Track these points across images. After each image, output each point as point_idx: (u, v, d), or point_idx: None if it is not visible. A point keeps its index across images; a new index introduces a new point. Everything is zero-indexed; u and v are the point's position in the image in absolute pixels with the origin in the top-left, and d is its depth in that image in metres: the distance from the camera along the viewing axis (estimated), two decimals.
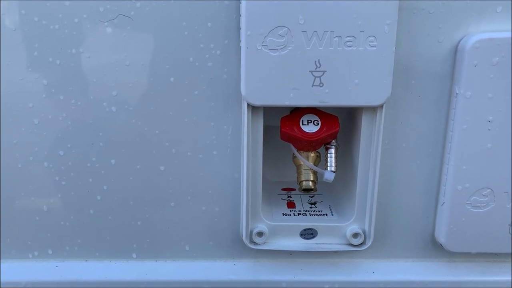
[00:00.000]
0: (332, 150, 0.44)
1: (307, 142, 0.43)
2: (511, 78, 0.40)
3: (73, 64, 0.42)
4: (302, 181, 0.44)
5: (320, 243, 0.46)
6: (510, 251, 0.45)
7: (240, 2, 0.39)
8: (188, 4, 0.40)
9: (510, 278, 0.47)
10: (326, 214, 0.47)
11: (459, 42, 0.41)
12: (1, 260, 0.48)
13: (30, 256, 0.48)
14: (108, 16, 0.40)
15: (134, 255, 0.48)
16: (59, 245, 0.47)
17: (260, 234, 0.45)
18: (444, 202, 0.44)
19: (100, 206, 0.46)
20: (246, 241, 0.45)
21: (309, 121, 0.43)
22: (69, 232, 0.47)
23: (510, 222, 0.44)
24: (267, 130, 0.44)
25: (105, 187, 0.45)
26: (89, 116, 0.43)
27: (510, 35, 0.39)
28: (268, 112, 0.43)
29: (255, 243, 0.45)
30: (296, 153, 0.44)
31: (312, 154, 0.44)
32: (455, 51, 0.41)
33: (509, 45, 0.39)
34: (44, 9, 0.40)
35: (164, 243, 0.48)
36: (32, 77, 0.42)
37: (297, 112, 0.43)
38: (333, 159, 0.44)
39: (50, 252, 0.48)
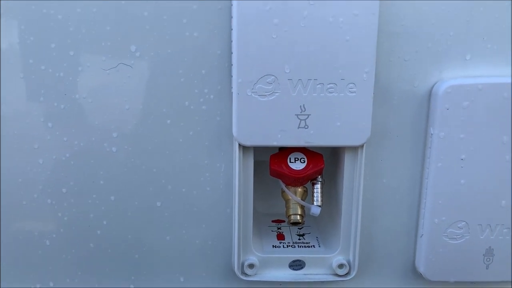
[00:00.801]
0: (318, 186, 0.47)
1: (295, 178, 0.45)
2: (480, 121, 0.43)
3: (76, 108, 0.44)
4: (290, 215, 0.47)
5: (308, 274, 0.48)
6: (484, 280, 0.47)
7: (232, 53, 0.42)
8: (184, 54, 0.43)
9: None
10: (314, 246, 0.49)
11: (432, 87, 0.44)
12: None
13: None
14: (110, 65, 0.43)
15: (132, 286, 0.50)
16: (60, 277, 0.49)
17: (251, 266, 0.47)
18: (422, 234, 0.47)
19: (100, 240, 0.48)
20: (238, 273, 0.47)
21: (296, 159, 0.46)
22: (70, 265, 0.49)
23: (484, 253, 0.47)
24: (258, 165, 0.47)
25: (105, 222, 0.48)
26: (91, 156, 0.46)
27: (478, 82, 0.43)
28: (260, 148, 0.45)
29: (246, 275, 0.47)
30: (285, 189, 0.47)
31: (299, 189, 0.47)
32: (429, 95, 0.44)
33: (478, 91, 0.43)
34: (51, 59, 0.43)
35: (160, 275, 0.49)
36: (38, 120, 0.45)
37: (285, 150, 0.46)
38: (319, 194, 0.46)
39: (51, 284, 0.49)
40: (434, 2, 0.43)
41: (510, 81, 0.43)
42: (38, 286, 0.50)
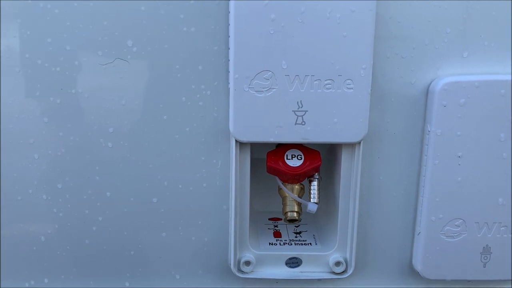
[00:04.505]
0: (315, 183, 0.46)
1: (291, 175, 0.45)
2: (477, 118, 0.43)
3: (72, 103, 0.44)
4: (287, 212, 0.47)
5: (305, 271, 0.48)
6: (481, 278, 0.47)
7: (229, 48, 0.42)
8: (181, 49, 0.43)
9: None
10: (310, 244, 0.49)
11: (429, 84, 0.44)
12: None
13: (27, 285, 0.49)
14: (106, 60, 0.43)
15: (127, 284, 0.50)
16: (55, 274, 0.49)
17: (247, 263, 0.47)
18: (420, 232, 0.47)
19: (95, 236, 0.48)
20: (234, 270, 0.47)
21: (293, 156, 0.45)
22: (65, 262, 0.48)
23: (481, 251, 0.47)
24: (256, 163, 0.47)
25: (100, 219, 0.47)
26: (86, 152, 0.45)
27: (475, 79, 0.43)
28: (257, 146, 0.45)
29: (242, 272, 0.47)
30: (282, 186, 0.47)
31: (296, 186, 0.47)
32: (427, 92, 0.44)
33: (475, 88, 0.43)
34: (47, 53, 0.43)
35: (156, 272, 0.49)
36: (34, 115, 0.45)
37: (282, 147, 0.46)
38: (316, 191, 0.46)
39: (46, 281, 0.49)
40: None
41: (507, 78, 0.43)
42: (32, 282, 0.49)
